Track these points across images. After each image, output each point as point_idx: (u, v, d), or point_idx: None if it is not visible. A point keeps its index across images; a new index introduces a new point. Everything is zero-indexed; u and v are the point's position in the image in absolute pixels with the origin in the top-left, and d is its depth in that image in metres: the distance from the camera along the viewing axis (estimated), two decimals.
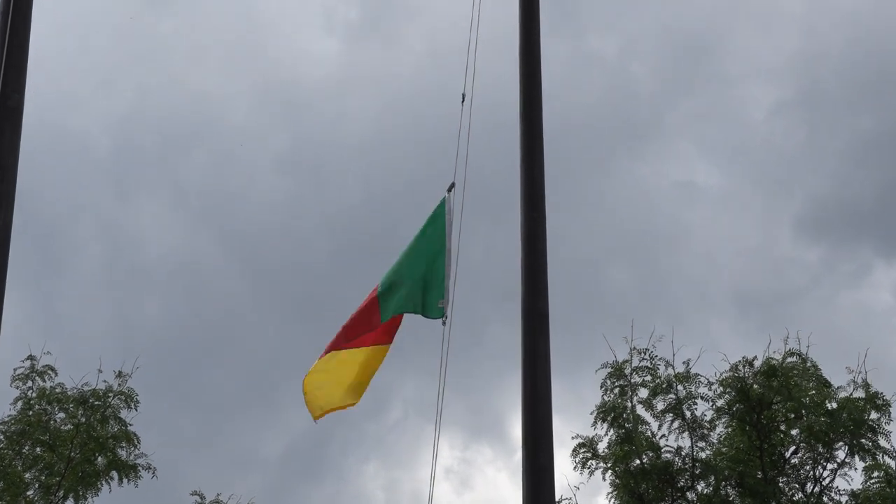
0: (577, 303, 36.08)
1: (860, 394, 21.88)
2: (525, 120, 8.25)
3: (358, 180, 43.83)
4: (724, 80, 46.07)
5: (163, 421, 31.64)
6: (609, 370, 22.76)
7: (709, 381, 22.42)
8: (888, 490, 21.21)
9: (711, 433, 22.47)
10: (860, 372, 21.97)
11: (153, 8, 48.01)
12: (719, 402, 22.31)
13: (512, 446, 39.90)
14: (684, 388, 22.43)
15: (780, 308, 36.57)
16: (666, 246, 43.06)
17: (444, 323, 8.61)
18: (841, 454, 21.81)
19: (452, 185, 9.00)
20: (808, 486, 21.97)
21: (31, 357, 23.77)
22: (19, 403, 23.35)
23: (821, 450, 21.82)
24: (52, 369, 23.80)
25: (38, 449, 22.98)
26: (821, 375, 22.16)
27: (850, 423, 21.40)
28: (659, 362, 22.63)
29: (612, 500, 22.21)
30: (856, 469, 21.72)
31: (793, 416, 22.01)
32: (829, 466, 21.92)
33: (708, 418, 22.45)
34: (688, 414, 22.30)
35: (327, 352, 9.16)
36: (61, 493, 22.47)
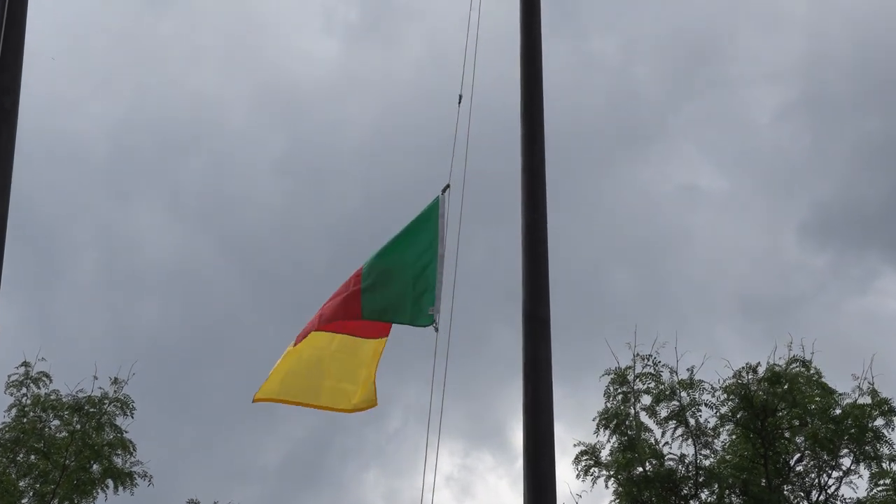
0: (580, 308, 36.08)
1: (865, 400, 21.88)
2: (526, 122, 8.25)
3: (357, 183, 43.87)
4: (729, 83, 46.12)
5: (159, 428, 31.64)
6: (612, 376, 22.76)
7: (712, 388, 22.45)
8: (895, 498, 21.19)
9: (715, 440, 22.48)
10: (865, 378, 22.00)
11: (151, 9, 48.08)
12: (723, 409, 22.32)
13: (513, 454, 39.89)
14: (688, 394, 22.44)
15: (785, 314, 36.55)
16: (669, 250, 43.08)
17: (435, 329, 8.55)
18: (846, 461, 21.82)
19: (447, 187, 9.00)
20: (813, 494, 21.95)
21: (25, 363, 23.80)
22: (13, 410, 23.35)
23: (826, 457, 21.81)
24: (47, 376, 23.84)
25: (33, 457, 22.96)
26: (821, 382, 22.16)
27: (856, 430, 21.39)
28: (662, 368, 22.66)
29: None
30: (861, 477, 21.73)
31: (797, 423, 22.00)
32: (835, 474, 21.93)
33: (711, 425, 22.47)
34: (691, 421, 22.29)
35: (302, 338, 9.00)
36: (56, 502, 22.44)
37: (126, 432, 23.48)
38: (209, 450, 36.31)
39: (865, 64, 43.98)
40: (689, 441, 22.27)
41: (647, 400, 22.59)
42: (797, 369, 22.28)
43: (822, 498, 21.86)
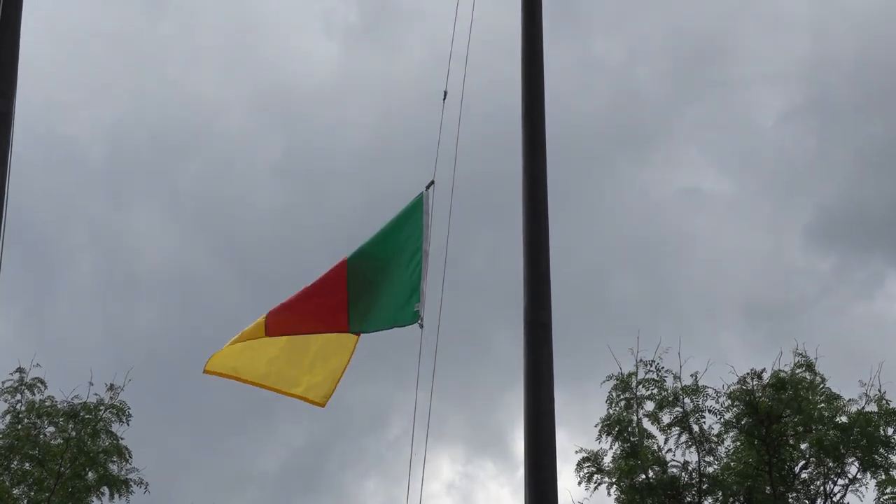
0: (582, 313, 36.08)
1: (872, 407, 21.89)
2: (527, 125, 8.26)
3: (357, 186, 43.88)
4: (732, 85, 46.15)
5: (156, 435, 31.62)
6: (614, 382, 22.79)
7: (716, 394, 22.46)
8: None
9: (719, 447, 22.49)
10: (872, 385, 22.01)
11: (148, 12, 48.14)
12: (727, 416, 22.33)
13: (515, 461, 39.84)
14: (691, 400, 22.45)
15: (790, 319, 36.55)
16: (672, 254, 43.06)
17: (420, 326, 8.51)
18: (853, 469, 21.82)
19: (432, 183, 9.01)
20: (819, 502, 21.95)
21: (20, 369, 23.78)
22: (8, 417, 23.34)
23: (831, 465, 21.81)
24: (42, 382, 23.81)
25: (27, 464, 22.96)
26: (825, 389, 22.18)
27: (862, 438, 21.39)
28: (665, 374, 22.69)
29: None
30: (868, 485, 21.73)
31: (802, 429, 22.00)
32: (841, 482, 21.92)
33: (715, 432, 22.48)
34: (695, 427, 22.31)
35: (278, 333, 8.94)
36: None
37: (122, 439, 23.50)
38: (206, 457, 36.34)
39: (870, 66, 44.03)
40: (693, 448, 22.28)
41: (650, 406, 22.63)
42: (802, 374, 22.29)
43: None
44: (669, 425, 22.37)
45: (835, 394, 22.12)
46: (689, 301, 39.43)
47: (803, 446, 22.17)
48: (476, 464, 40.16)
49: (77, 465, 22.80)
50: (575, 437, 31.71)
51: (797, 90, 46.73)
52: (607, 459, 22.34)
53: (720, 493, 21.90)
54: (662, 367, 22.70)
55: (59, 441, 23.09)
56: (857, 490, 21.74)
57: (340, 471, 38.18)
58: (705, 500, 22.08)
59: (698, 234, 44.09)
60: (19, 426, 23.17)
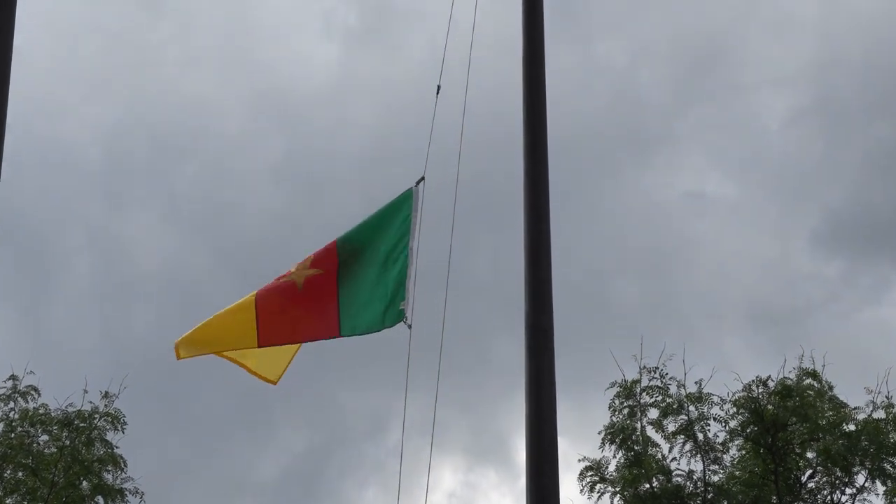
0: (584, 319, 36.07)
1: (880, 414, 21.88)
2: (528, 128, 8.26)
3: (357, 190, 43.86)
4: (737, 88, 46.17)
5: (152, 443, 31.61)
6: (618, 389, 22.77)
7: (721, 401, 22.44)
8: None
9: (724, 456, 22.47)
10: (879, 392, 22.01)
11: (145, 12, 48.19)
12: (732, 424, 22.31)
13: (517, 470, 39.82)
14: (696, 408, 22.43)
15: (796, 325, 36.53)
16: (676, 259, 43.09)
17: (407, 325, 8.51)
18: (860, 478, 21.80)
19: (422, 179, 9.01)
20: None
21: (13, 377, 23.78)
22: (0, 425, 23.34)
23: (839, 474, 21.79)
24: (36, 389, 23.81)
25: (21, 473, 22.94)
26: (832, 396, 22.16)
27: (870, 446, 21.37)
28: (669, 381, 22.67)
29: None
30: (877, 494, 21.71)
31: (809, 438, 21.98)
32: (848, 491, 21.91)
33: (720, 440, 22.46)
34: (700, 436, 22.29)
35: (271, 343, 8.94)
36: None
37: (117, 448, 23.49)
38: (203, 465, 36.31)
39: (877, 68, 44.03)
40: (698, 456, 22.26)
41: (653, 414, 22.61)
42: (808, 382, 22.28)
43: None
44: (674, 433, 22.35)
45: (842, 402, 22.09)
46: (694, 306, 39.45)
47: (810, 455, 22.15)
48: (477, 472, 40.15)
49: (71, 474, 22.78)
50: (577, 445, 31.78)
51: (803, 92, 46.78)
52: (610, 468, 22.35)
53: (725, 503, 21.87)
54: (666, 374, 22.71)
55: (53, 450, 23.08)
56: (865, 499, 21.74)
57: (340, 478, 38.17)
58: None
59: (702, 239, 44.13)
60: (12, 435, 23.15)
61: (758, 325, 38.43)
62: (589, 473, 22.38)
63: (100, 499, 23.06)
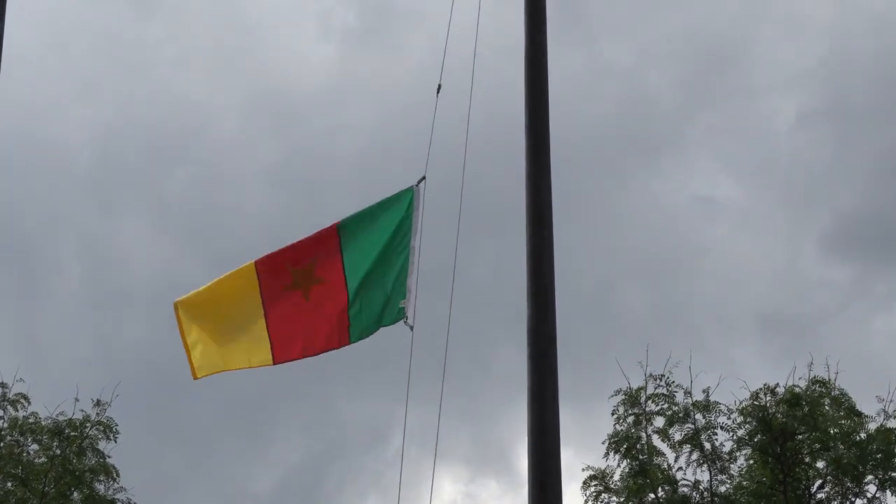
0: (589, 325, 36.10)
1: (893, 424, 21.88)
2: (531, 132, 8.27)
3: (355, 194, 43.90)
4: (747, 90, 46.22)
5: (145, 453, 31.60)
6: (622, 397, 22.78)
7: (729, 410, 22.45)
8: None
9: (731, 465, 22.46)
10: (892, 400, 22.01)
11: (136, 11, 48.26)
12: (740, 433, 22.31)
13: (519, 480, 39.82)
14: (703, 417, 22.44)
15: (806, 332, 36.53)
16: (683, 265, 43.09)
17: (408, 325, 8.58)
18: (871, 489, 21.80)
19: (423, 179, 9.04)
20: None
21: (2, 384, 23.79)
22: None
23: (849, 484, 21.79)
24: (25, 398, 23.82)
25: (10, 483, 22.95)
26: (850, 404, 22.15)
27: (882, 456, 21.37)
28: (676, 389, 22.68)
29: None
30: None
31: (819, 447, 21.98)
32: (859, 502, 21.90)
33: (728, 449, 22.45)
34: (706, 445, 22.29)
35: (286, 359, 9.02)
36: None
37: (109, 457, 23.50)
38: (198, 475, 36.30)
39: (889, 69, 44.07)
40: (704, 466, 22.26)
41: (659, 422, 22.61)
42: (819, 390, 22.27)
43: None
44: (680, 442, 22.35)
45: (856, 409, 22.08)
46: (701, 313, 39.45)
47: (819, 465, 22.15)
48: (479, 483, 40.16)
49: (62, 484, 22.78)
50: (581, 454, 31.75)
51: (813, 94, 46.81)
52: (615, 478, 22.34)
53: None
54: (672, 382, 22.71)
55: (44, 459, 23.09)
56: None
57: (338, 490, 38.15)
58: None
59: (711, 244, 44.14)
60: (1, 444, 23.16)
61: (766, 333, 38.45)
62: (593, 483, 22.39)
63: None
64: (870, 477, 21.74)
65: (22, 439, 23.39)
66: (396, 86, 46.21)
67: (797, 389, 22.23)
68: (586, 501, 22.35)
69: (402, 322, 8.72)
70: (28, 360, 36.63)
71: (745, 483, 22.24)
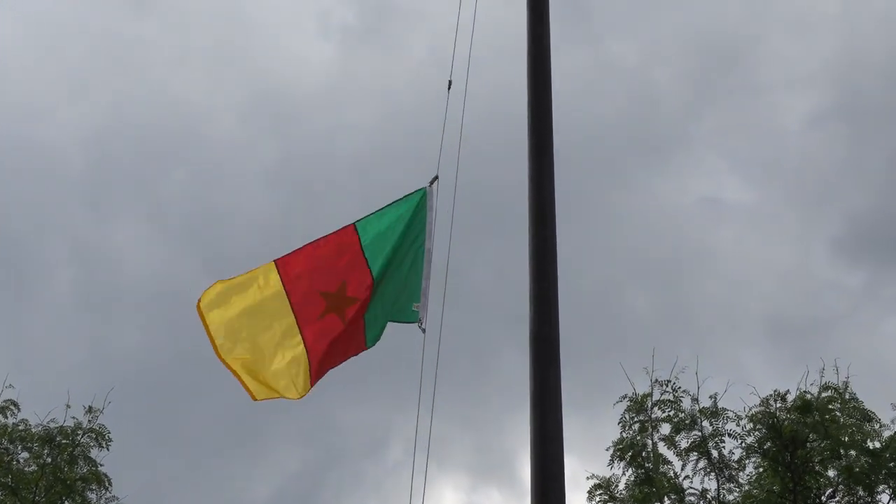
0: (593, 330, 36.07)
1: None
2: (533, 132, 8.26)
3: (354, 196, 43.91)
4: (755, 88, 46.27)
5: (138, 461, 31.57)
6: (628, 404, 22.76)
7: (737, 417, 22.40)
8: None
9: (740, 474, 22.43)
10: None
11: (131, 9, 48.29)
12: (749, 440, 22.27)
13: (522, 488, 39.79)
14: (710, 423, 22.40)
15: (817, 336, 36.55)
16: (690, 268, 43.10)
17: (422, 330, 8.60)
18: (884, 498, 21.75)
19: (436, 178, 9.05)
20: None
21: None
22: None
23: (861, 493, 21.74)
24: (15, 404, 23.79)
25: None
26: (864, 411, 22.11)
27: (895, 464, 21.34)
28: (682, 395, 22.64)
29: None
30: None
31: (830, 455, 21.93)
32: None
33: (736, 457, 22.42)
34: (714, 452, 22.25)
35: (317, 379, 9.02)
36: None
37: (101, 465, 23.47)
38: (192, 484, 36.25)
39: None
40: (712, 474, 22.22)
41: (665, 429, 22.59)
42: (830, 395, 22.22)
43: None
44: (687, 450, 22.32)
45: (868, 416, 22.02)
46: (708, 317, 39.44)
47: (831, 473, 22.11)
48: (481, 492, 40.10)
49: (53, 493, 22.76)
50: (585, 462, 31.69)
51: (825, 93, 46.83)
52: (620, 486, 22.31)
53: None
54: (679, 388, 22.68)
55: (34, 468, 23.06)
56: None
57: (336, 498, 38.12)
58: None
59: (719, 247, 44.14)
60: None
61: (776, 337, 38.45)
62: (598, 492, 22.37)
63: None
64: (883, 486, 21.68)
65: (11, 447, 23.37)
66: (396, 86, 46.26)
67: (808, 396, 22.18)
68: None
69: (399, 325, 8.72)
70: (18, 365, 36.62)
71: (754, 492, 22.19)
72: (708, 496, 22.17)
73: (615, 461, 22.39)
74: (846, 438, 21.81)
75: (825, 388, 22.32)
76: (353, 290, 9.05)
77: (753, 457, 22.36)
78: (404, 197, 9.14)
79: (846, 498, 22.01)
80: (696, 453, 22.29)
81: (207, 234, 45.11)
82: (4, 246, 39.61)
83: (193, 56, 49.68)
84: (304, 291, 9.05)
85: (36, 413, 23.73)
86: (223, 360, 9.09)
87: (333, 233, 9.18)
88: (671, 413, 22.55)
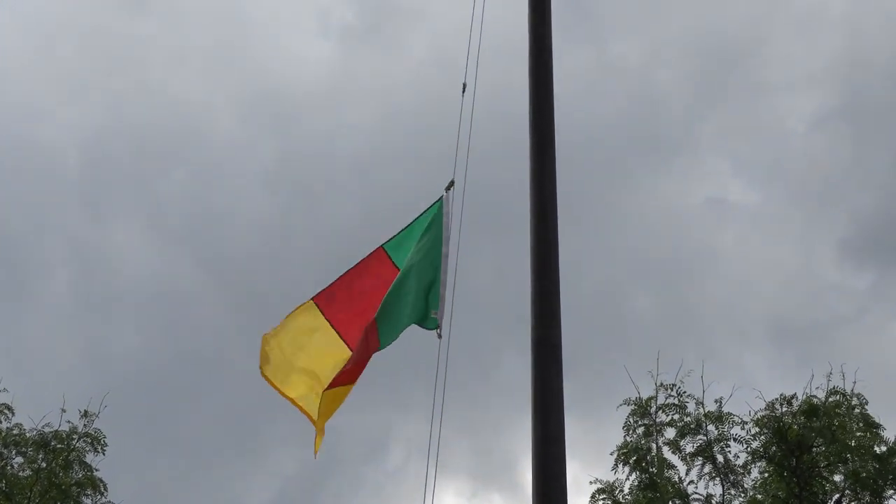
0: (596, 333, 36.10)
1: None
2: (535, 131, 8.28)
3: (354, 197, 44.00)
4: (760, 89, 46.29)
5: (134, 465, 31.63)
6: (632, 407, 22.76)
7: (742, 421, 22.41)
8: None
9: (745, 479, 22.43)
10: None
11: (128, 8, 48.33)
12: (754, 444, 22.27)
13: (524, 493, 39.79)
14: (715, 428, 22.40)
15: (823, 340, 36.57)
16: (695, 270, 43.12)
17: (438, 335, 8.67)
18: (892, 503, 21.76)
19: (451, 184, 9.08)
20: None
21: None
22: None
23: (868, 499, 21.75)
24: (9, 408, 23.82)
25: None
26: (869, 416, 22.12)
27: None
28: (687, 399, 22.65)
29: None
30: None
31: (836, 460, 21.94)
32: None
33: (741, 462, 22.42)
34: (719, 457, 22.26)
35: (335, 385, 9.04)
36: None
37: (97, 470, 23.49)
38: (189, 489, 36.29)
39: None
40: (717, 479, 22.22)
41: (670, 433, 22.58)
42: (837, 399, 22.23)
43: None
44: (691, 455, 22.32)
45: (873, 421, 22.05)
46: (713, 320, 39.46)
47: (837, 478, 22.12)
48: (482, 497, 40.13)
49: (47, 498, 22.78)
50: (589, 466, 31.76)
51: (830, 93, 46.85)
52: (624, 491, 22.31)
53: None
54: (684, 392, 22.69)
55: (28, 473, 23.08)
56: None
57: (336, 502, 38.14)
58: None
59: (723, 248, 44.16)
60: None
61: (781, 341, 38.48)
62: (601, 497, 22.37)
63: None
64: (890, 491, 21.69)
65: (6, 452, 23.39)
66: (396, 86, 46.29)
67: (815, 400, 22.19)
68: None
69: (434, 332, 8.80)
70: (12, 368, 36.64)
71: (759, 497, 22.20)
72: (713, 501, 22.18)
73: (619, 465, 22.41)
74: (853, 443, 21.82)
75: (833, 392, 22.33)
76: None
77: (759, 461, 22.37)
78: (426, 210, 9.23)
79: (852, 503, 22.02)
80: (700, 458, 22.29)
81: (207, 234, 45.19)
82: (2, 247, 39.69)
83: (193, 56, 49.77)
84: (351, 324, 9.16)
85: (31, 417, 23.80)
86: (303, 411, 9.13)
87: (363, 260, 9.25)
88: (676, 417, 22.57)
